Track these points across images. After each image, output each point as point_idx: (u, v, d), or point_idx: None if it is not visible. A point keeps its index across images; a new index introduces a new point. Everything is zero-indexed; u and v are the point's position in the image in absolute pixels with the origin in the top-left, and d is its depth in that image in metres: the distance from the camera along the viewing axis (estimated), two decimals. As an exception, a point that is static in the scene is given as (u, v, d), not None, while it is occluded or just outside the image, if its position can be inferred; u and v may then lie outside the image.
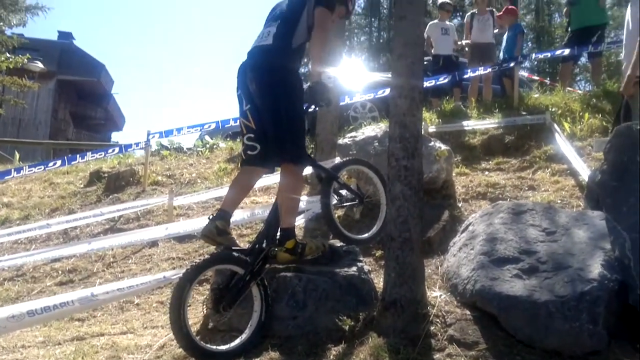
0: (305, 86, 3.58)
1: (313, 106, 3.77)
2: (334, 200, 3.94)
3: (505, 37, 9.34)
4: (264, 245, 3.40)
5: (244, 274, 3.21)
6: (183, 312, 2.97)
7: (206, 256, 3.47)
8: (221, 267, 3.35)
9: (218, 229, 3.37)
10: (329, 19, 3.57)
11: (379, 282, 3.62)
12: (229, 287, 3.22)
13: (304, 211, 5.16)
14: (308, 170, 4.19)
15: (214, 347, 3.12)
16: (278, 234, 3.44)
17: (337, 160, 5.40)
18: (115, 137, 34.97)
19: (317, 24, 3.48)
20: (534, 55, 13.75)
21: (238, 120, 3.75)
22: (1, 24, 16.46)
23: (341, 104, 7.50)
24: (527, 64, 15.56)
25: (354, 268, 3.55)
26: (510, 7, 10.00)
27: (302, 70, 4.45)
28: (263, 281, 3.28)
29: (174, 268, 5.16)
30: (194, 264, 3.17)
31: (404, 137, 3.20)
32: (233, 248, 3.43)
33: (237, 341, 3.14)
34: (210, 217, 3.46)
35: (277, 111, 3.43)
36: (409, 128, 3.21)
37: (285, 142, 3.44)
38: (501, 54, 9.42)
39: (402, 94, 3.25)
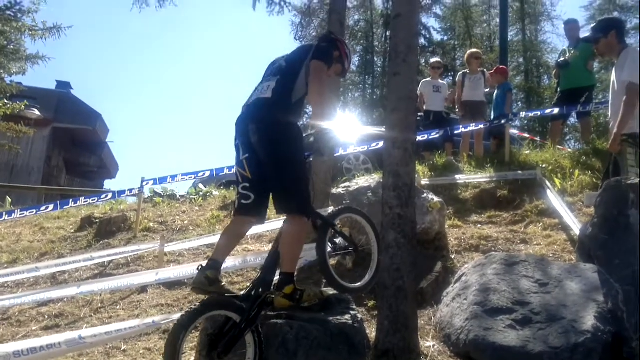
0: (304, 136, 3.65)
1: (313, 156, 3.83)
2: (328, 248, 3.94)
3: (494, 95, 9.59)
4: (260, 291, 3.36)
5: (240, 320, 3.15)
6: None
7: (198, 303, 3.39)
8: (217, 314, 3.27)
9: (209, 278, 3.31)
10: (323, 71, 3.66)
11: (371, 332, 3.59)
12: (223, 333, 3.15)
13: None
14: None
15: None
16: (277, 277, 3.42)
17: (331, 209, 5.42)
18: (108, 184, 34.89)
19: (312, 76, 3.57)
20: (524, 114, 14.03)
21: (234, 169, 3.77)
22: (1, 71, 16.69)
23: (335, 155, 7.60)
24: (517, 122, 15.81)
25: (347, 316, 3.51)
26: (500, 66, 10.34)
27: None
28: (257, 328, 3.23)
29: (162, 314, 5.07)
30: (190, 309, 3.07)
31: (397, 186, 3.26)
32: (227, 295, 3.38)
33: (228, 389, 3.06)
34: (200, 267, 3.39)
35: (281, 164, 3.47)
36: (403, 177, 3.29)
37: (290, 193, 3.48)
38: (492, 113, 9.64)
39: (396, 145, 3.34)
